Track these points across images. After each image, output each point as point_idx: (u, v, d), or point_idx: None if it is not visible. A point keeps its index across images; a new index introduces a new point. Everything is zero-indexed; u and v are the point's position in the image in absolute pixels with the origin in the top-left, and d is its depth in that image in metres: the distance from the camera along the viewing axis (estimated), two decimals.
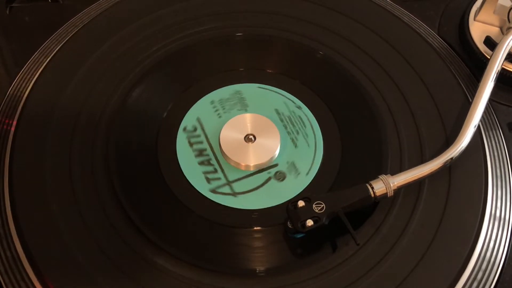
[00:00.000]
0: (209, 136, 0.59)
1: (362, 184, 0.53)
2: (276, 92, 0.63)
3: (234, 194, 0.57)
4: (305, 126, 0.61)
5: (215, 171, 0.57)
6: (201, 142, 0.58)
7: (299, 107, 0.62)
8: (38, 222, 0.53)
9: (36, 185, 0.55)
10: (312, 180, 0.57)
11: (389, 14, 0.69)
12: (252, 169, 0.58)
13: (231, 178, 0.57)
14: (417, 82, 0.63)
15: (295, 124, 0.61)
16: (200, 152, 0.58)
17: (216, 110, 0.60)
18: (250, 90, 0.63)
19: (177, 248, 0.52)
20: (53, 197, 0.54)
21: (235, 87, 0.63)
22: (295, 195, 0.56)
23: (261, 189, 0.57)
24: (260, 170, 0.58)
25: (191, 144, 0.58)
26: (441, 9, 0.72)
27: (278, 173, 0.58)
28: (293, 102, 0.62)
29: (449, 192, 0.56)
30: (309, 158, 0.59)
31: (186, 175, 0.57)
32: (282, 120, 0.61)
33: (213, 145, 0.59)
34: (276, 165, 0.59)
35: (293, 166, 0.58)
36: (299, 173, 0.58)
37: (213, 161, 0.58)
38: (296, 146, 0.60)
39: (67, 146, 0.57)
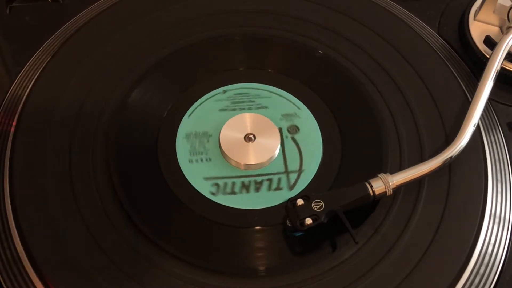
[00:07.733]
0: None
1: (361, 183, 0.53)
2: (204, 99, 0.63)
3: (302, 170, 0.58)
4: (248, 94, 0.63)
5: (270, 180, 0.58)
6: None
7: (224, 91, 0.63)
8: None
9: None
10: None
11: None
12: (271, 156, 0.59)
13: (285, 169, 0.58)
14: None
15: (243, 100, 0.62)
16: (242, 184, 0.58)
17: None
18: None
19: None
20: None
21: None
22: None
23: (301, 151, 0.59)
24: (281, 141, 0.59)
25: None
26: (441, 8, 0.72)
27: (290, 128, 0.59)
28: (218, 93, 0.63)
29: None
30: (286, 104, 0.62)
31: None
32: (234, 110, 0.62)
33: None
34: (280, 128, 0.60)
35: (287, 116, 0.60)
36: (299, 117, 0.61)
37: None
38: (267, 107, 0.62)
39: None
